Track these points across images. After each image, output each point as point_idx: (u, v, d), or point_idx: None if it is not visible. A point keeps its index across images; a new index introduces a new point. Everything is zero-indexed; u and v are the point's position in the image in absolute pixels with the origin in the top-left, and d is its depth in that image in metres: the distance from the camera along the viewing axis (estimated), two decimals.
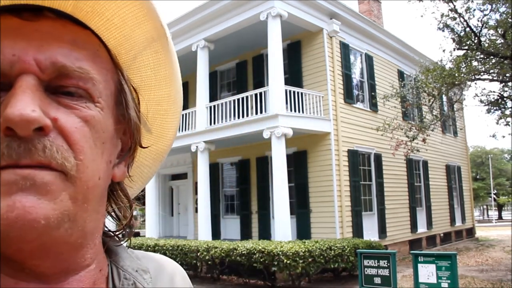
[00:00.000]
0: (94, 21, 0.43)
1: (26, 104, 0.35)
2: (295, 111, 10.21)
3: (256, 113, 10.52)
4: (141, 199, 0.61)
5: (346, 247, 8.50)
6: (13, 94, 0.36)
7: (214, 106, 11.38)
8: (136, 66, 0.49)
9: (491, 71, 9.70)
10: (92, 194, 0.40)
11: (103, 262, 0.46)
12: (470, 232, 18.05)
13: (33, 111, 0.35)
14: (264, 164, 11.98)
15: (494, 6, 9.61)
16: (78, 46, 0.41)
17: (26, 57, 0.38)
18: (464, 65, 9.66)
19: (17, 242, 0.35)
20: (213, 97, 12.93)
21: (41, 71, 0.38)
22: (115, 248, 0.50)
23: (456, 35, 10.22)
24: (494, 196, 43.71)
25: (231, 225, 12.84)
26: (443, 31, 10.43)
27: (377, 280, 6.27)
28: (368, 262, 6.40)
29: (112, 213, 0.48)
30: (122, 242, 0.50)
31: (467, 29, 9.99)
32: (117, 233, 0.50)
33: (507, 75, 9.51)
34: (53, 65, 0.39)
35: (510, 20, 9.12)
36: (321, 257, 8.02)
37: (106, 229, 0.49)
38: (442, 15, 10.20)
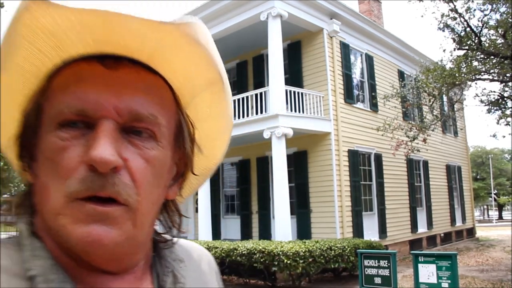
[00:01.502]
0: (164, 68, 0.52)
1: (106, 148, 0.45)
2: (295, 111, 10.22)
3: (257, 113, 10.52)
4: None
5: (346, 247, 8.50)
6: (96, 137, 0.46)
7: None
8: (195, 103, 0.58)
9: (492, 71, 9.70)
10: (147, 218, 0.51)
11: (150, 255, 0.58)
12: (471, 232, 18.04)
13: (112, 155, 0.45)
14: (265, 164, 11.98)
15: (494, 6, 9.61)
16: (150, 94, 0.50)
17: (108, 105, 0.47)
18: (465, 65, 9.66)
19: (92, 256, 0.47)
20: None
21: (119, 116, 0.47)
22: (160, 243, 0.60)
23: (457, 35, 10.22)
24: (495, 196, 43.71)
25: (231, 225, 12.84)
26: (443, 31, 10.43)
27: (378, 280, 6.27)
28: (368, 262, 6.40)
29: (163, 222, 0.60)
30: (168, 244, 0.61)
31: (468, 29, 9.99)
32: (164, 235, 0.61)
33: (508, 75, 9.51)
34: (129, 112, 0.48)
35: (510, 20, 9.12)
36: (322, 257, 8.02)
37: (156, 231, 0.60)
38: (442, 15, 10.20)
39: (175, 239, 0.61)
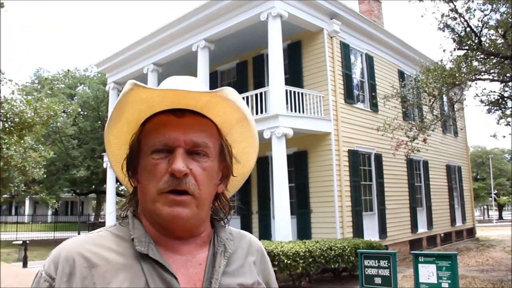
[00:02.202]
0: (210, 114, 0.88)
1: (180, 163, 0.80)
2: (295, 111, 10.22)
3: (257, 113, 10.52)
4: None
5: (346, 247, 8.50)
6: (174, 157, 0.81)
7: None
8: (232, 132, 0.93)
9: (492, 71, 9.69)
10: (205, 203, 0.85)
11: (210, 232, 0.92)
12: (471, 232, 18.04)
13: (183, 166, 0.80)
14: (265, 164, 11.98)
15: (494, 6, 9.60)
16: (203, 129, 0.86)
17: (179, 139, 0.82)
18: (465, 65, 9.65)
19: (173, 225, 0.82)
20: None
21: (186, 145, 0.83)
22: (218, 225, 0.95)
23: (457, 35, 10.21)
24: (495, 196, 43.69)
25: (231, 225, 12.67)
26: (443, 31, 10.43)
27: (378, 280, 6.27)
28: (368, 262, 6.40)
29: (218, 207, 0.94)
30: (223, 224, 0.97)
31: (468, 29, 9.98)
32: (219, 218, 0.97)
33: (508, 75, 9.51)
34: (191, 142, 0.83)
35: (510, 20, 9.12)
36: (322, 257, 8.02)
37: (216, 216, 0.96)
38: (442, 15, 10.19)
39: (227, 225, 0.97)
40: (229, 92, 0.84)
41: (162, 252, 0.81)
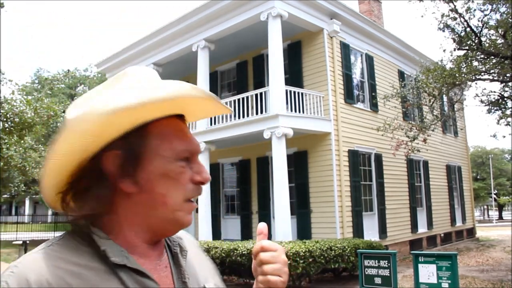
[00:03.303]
0: (188, 118, 0.87)
1: (207, 171, 0.82)
2: (295, 111, 10.22)
3: (257, 113, 10.52)
4: None
5: (346, 247, 8.50)
6: (200, 165, 0.82)
7: None
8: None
9: (492, 71, 9.69)
10: None
11: None
12: (471, 232, 18.04)
13: (209, 175, 0.83)
14: (265, 164, 11.98)
15: (494, 6, 9.61)
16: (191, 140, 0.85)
17: (198, 147, 0.83)
18: (465, 65, 9.65)
19: (175, 231, 0.83)
20: None
21: (199, 151, 0.84)
22: None
23: (457, 35, 10.22)
24: (495, 196, 43.70)
25: (231, 225, 12.84)
26: (443, 31, 10.43)
27: (378, 280, 6.27)
28: (368, 262, 6.40)
29: None
30: None
31: (468, 29, 9.99)
32: None
33: (508, 75, 9.51)
34: (200, 149, 0.85)
35: (510, 20, 9.12)
36: (322, 257, 8.02)
37: None
38: (442, 15, 10.20)
39: None
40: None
41: (136, 260, 0.75)
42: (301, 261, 7.66)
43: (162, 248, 0.84)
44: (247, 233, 12.05)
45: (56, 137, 0.73)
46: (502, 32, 9.38)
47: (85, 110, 0.71)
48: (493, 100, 10.99)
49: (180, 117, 0.83)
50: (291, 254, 7.67)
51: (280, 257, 0.81)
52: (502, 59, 9.21)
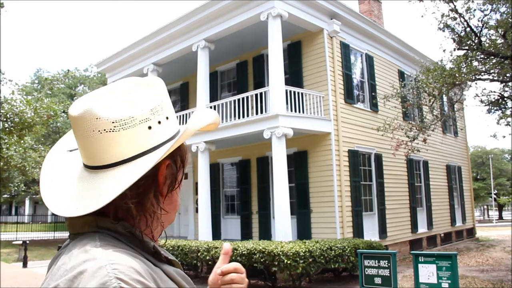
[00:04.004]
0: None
1: None
2: (295, 111, 10.21)
3: (257, 113, 10.52)
4: None
5: (346, 247, 8.50)
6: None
7: (215, 106, 11.38)
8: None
9: (492, 71, 9.70)
10: None
11: None
12: (471, 232, 18.04)
13: None
14: (265, 164, 11.98)
15: (494, 6, 9.61)
16: None
17: None
18: (465, 65, 9.65)
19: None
20: (213, 97, 12.93)
21: None
22: None
23: (457, 35, 10.22)
24: (495, 196, 43.69)
25: (231, 225, 12.84)
26: (443, 31, 10.43)
27: (378, 280, 6.27)
28: (368, 262, 6.40)
29: None
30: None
31: (468, 29, 9.99)
32: None
33: (508, 75, 9.51)
34: None
35: (510, 20, 9.12)
36: (322, 257, 8.02)
37: None
38: (442, 15, 10.20)
39: None
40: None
41: None
42: (301, 261, 7.66)
43: None
44: (247, 233, 12.05)
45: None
46: (502, 32, 9.38)
47: (185, 126, 0.83)
48: (493, 100, 10.99)
49: None
50: (291, 254, 7.67)
51: (245, 279, 0.92)
52: (502, 59, 9.21)
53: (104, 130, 0.73)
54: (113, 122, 0.74)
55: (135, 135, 0.75)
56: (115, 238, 0.74)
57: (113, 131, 0.74)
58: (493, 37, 9.88)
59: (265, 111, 10.21)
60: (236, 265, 0.91)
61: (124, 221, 0.77)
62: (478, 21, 10.03)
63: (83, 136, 0.76)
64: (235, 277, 0.90)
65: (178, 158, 0.87)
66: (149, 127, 0.77)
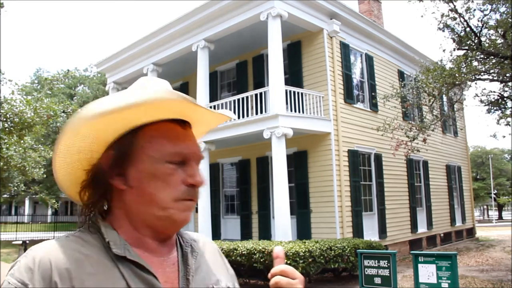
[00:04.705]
0: (195, 126, 0.93)
1: (200, 175, 0.86)
2: (295, 111, 10.21)
3: (256, 113, 10.52)
4: None
5: (346, 247, 8.50)
6: (194, 169, 0.86)
7: (214, 106, 11.38)
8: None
9: (491, 71, 9.69)
10: None
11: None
12: (471, 232, 18.04)
13: (203, 179, 0.86)
14: (264, 164, 11.98)
15: (494, 6, 9.61)
16: (198, 143, 0.92)
17: (194, 152, 0.87)
18: (464, 65, 9.65)
19: (173, 229, 0.88)
20: (213, 97, 12.93)
21: (198, 159, 0.88)
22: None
23: (456, 35, 10.22)
24: (495, 196, 43.68)
25: (231, 225, 12.84)
26: (443, 31, 10.43)
27: (378, 280, 6.27)
28: (368, 262, 6.41)
29: None
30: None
31: (467, 29, 9.99)
32: None
33: (507, 75, 9.50)
34: (200, 157, 0.89)
35: (510, 20, 9.12)
36: (321, 257, 8.02)
37: None
38: (442, 15, 10.20)
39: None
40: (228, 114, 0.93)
41: (139, 254, 0.82)
42: (301, 261, 7.66)
43: (173, 246, 0.90)
44: (247, 233, 12.05)
45: (59, 137, 0.83)
46: (502, 32, 9.38)
47: (79, 114, 0.78)
48: (493, 100, 10.99)
49: (184, 123, 0.89)
50: (291, 254, 7.67)
51: (294, 283, 0.80)
52: (502, 59, 9.21)
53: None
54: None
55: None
56: (92, 232, 0.83)
57: None
58: (493, 37, 9.88)
59: (265, 111, 10.21)
60: (283, 267, 0.82)
61: (108, 215, 0.86)
62: (478, 21, 10.04)
63: None
64: (278, 279, 0.81)
65: (125, 148, 0.83)
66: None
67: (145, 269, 0.79)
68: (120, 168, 0.83)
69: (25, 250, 13.02)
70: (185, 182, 0.84)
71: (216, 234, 12.12)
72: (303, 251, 7.77)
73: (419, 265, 5.93)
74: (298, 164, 11.10)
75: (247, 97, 10.79)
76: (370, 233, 11.34)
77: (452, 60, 10.15)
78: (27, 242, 13.70)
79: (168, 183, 0.83)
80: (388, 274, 6.19)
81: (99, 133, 0.81)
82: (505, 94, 10.86)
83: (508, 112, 11.07)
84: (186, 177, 0.84)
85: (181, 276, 0.86)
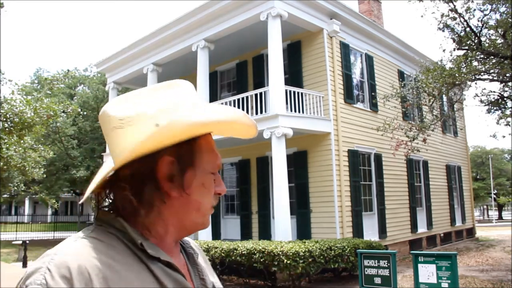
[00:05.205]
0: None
1: (224, 186, 0.92)
2: (295, 111, 10.21)
3: (256, 113, 10.52)
4: None
5: (346, 247, 8.50)
6: (219, 178, 0.90)
7: None
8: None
9: (491, 71, 9.70)
10: None
11: None
12: (470, 232, 18.05)
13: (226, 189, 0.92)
14: (264, 164, 11.98)
15: (494, 6, 9.61)
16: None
17: (221, 160, 0.92)
18: (464, 65, 9.66)
19: (194, 231, 0.90)
20: (213, 97, 12.93)
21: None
22: None
23: (456, 35, 10.22)
24: (494, 196, 43.70)
25: (231, 225, 12.84)
26: (443, 31, 10.44)
27: (377, 280, 6.27)
28: (368, 262, 6.41)
29: None
30: None
31: (467, 29, 9.99)
32: None
33: (507, 75, 9.51)
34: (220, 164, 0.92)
35: (510, 20, 9.12)
36: (321, 257, 8.02)
37: None
38: (442, 15, 10.20)
39: None
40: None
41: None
42: (301, 261, 7.66)
43: (179, 248, 0.93)
44: (247, 233, 12.05)
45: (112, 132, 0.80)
46: (502, 32, 9.39)
47: (171, 118, 0.76)
48: (493, 100, 11.00)
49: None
50: (291, 254, 7.67)
51: None
52: (502, 59, 9.21)
53: (114, 127, 0.79)
54: (120, 119, 0.79)
55: (140, 131, 0.78)
56: (110, 233, 0.80)
57: (120, 127, 0.79)
58: (493, 37, 9.89)
59: (265, 111, 10.21)
60: None
61: (133, 216, 0.82)
62: (478, 21, 10.05)
63: (105, 134, 0.83)
64: None
65: (187, 157, 0.83)
66: (157, 125, 0.78)
67: (174, 268, 0.81)
68: (179, 176, 0.83)
69: (25, 250, 13.02)
70: (215, 191, 0.89)
71: (216, 234, 12.11)
72: (303, 251, 7.77)
73: (419, 265, 5.93)
74: (298, 164, 11.09)
75: (247, 97, 10.79)
76: (370, 233, 11.34)
77: (452, 60, 10.16)
78: (27, 242, 13.70)
79: (210, 192, 0.88)
80: (388, 274, 6.19)
81: (170, 140, 0.80)
82: (505, 94, 10.86)
83: (508, 112, 11.08)
84: (215, 187, 0.89)
85: (194, 276, 0.90)
